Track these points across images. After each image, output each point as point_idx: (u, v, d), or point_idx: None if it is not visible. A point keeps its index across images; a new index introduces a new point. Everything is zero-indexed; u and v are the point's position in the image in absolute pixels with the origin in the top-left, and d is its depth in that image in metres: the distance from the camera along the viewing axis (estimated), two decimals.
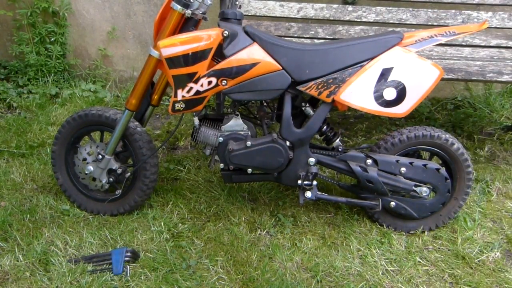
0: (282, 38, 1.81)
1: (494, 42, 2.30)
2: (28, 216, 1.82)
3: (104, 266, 1.57)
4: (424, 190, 1.66)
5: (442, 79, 1.71)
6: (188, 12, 1.54)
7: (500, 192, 2.06)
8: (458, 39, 2.29)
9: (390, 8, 2.31)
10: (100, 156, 1.74)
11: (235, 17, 1.58)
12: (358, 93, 1.54)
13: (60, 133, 1.81)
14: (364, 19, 2.32)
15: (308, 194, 1.65)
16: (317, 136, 2.04)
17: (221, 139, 1.66)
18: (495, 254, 1.69)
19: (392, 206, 1.70)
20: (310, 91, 1.56)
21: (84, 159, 1.78)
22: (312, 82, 1.55)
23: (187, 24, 1.58)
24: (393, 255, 1.68)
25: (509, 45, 2.30)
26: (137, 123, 1.75)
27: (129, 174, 1.80)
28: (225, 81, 1.53)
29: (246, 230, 1.79)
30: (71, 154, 1.84)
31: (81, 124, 1.78)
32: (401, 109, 1.56)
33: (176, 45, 1.49)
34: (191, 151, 2.41)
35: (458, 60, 2.17)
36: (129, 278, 1.53)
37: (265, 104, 1.74)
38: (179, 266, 1.59)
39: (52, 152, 1.84)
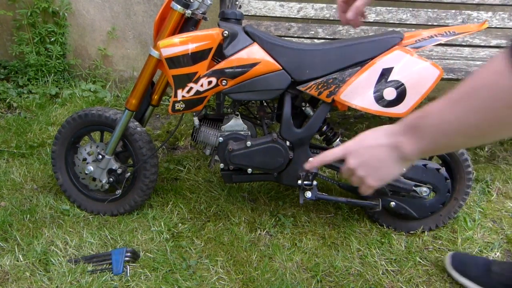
0: (282, 38, 1.81)
1: (494, 42, 2.30)
2: (28, 216, 1.82)
3: (104, 266, 1.57)
4: (424, 190, 1.66)
5: (442, 79, 1.71)
6: (188, 12, 1.53)
7: (500, 192, 2.06)
8: (458, 39, 2.29)
9: (390, 8, 2.31)
10: (100, 156, 1.74)
11: (235, 17, 1.58)
12: (358, 93, 1.54)
13: (60, 133, 1.81)
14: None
15: (308, 194, 1.65)
16: (317, 136, 2.04)
17: (221, 139, 1.66)
18: (495, 254, 1.69)
19: (392, 206, 1.70)
20: (310, 91, 1.56)
21: (84, 159, 1.78)
22: (312, 82, 1.55)
23: (187, 24, 1.58)
24: (393, 255, 1.68)
25: None
26: (137, 123, 1.75)
27: (129, 174, 1.80)
28: (225, 81, 1.53)
29: (246, 230, 1.79)
30: (71, 154, 1.84)
31: (81, 124, 1.78)
32: (401, 109, 1.56)
33: (176, 45, 1.49)
34: (191, 151, 2.40)
35: (458, 60, 2.17)
36: (129, 278, 1.53)
37: (265, 104, 1.74)
38: (179, 266, 1.59)
39: (52, 152, 1.84)
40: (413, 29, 2.34)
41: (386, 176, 0.80)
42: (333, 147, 1.74)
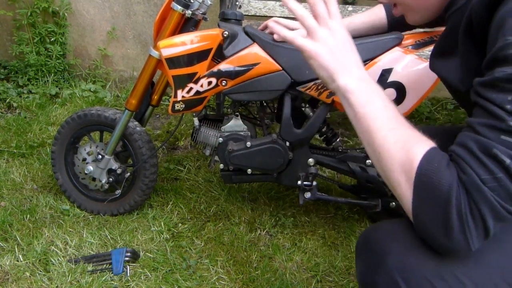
0: None
1: None
2: (28, 216, 1.82)
3: (104, 266, 1.58)
4: None
5: None
6: (188, 12, 1.54)
7: None
8: None
9: None
10: (100, 156, 1.74)
11: (235, 17, 1.58)
12: None
13: (60, 133, 1.81)
14: None
15: (308, 194, 1.65)
16: (317, 137, 2.05)
17: (221, 139, 1.66)
18: None
19: (392, 206, 1.70)
20: (310, 91, 1.56)
21: (84, 159, 1.78)
22: (312, 83, 1.55)
23: (187, 24, 1.59)
24: None
25: None
26: (136, 122, 1.76)
27: (128, 174, 1.80)
28: (225, 82, 1.53)
29: (246, 230, 1.79)
30: (70, 154, 1.84)
31: (80, 124, 1.78)
32: (401, 110, 1.56)
33: (176, 45, 1.49)
34: (191, 151, 2.41)
35: None
36: (129, 278, 1.53)
37: (265, 104, 1.74)
38: (179, 266, 1.59)
39: (51, 152, 1.84)
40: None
41: (316, 62, 0.89)
42: (333, 147, 1.75)
